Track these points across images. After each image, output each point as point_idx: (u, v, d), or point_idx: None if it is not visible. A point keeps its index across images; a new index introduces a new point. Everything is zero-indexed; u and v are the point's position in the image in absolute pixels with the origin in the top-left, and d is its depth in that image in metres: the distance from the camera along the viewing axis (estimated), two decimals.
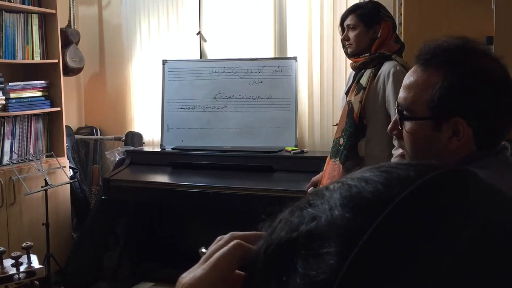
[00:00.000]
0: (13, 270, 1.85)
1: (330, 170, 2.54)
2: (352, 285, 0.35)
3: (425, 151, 1.13)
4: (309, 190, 2.73)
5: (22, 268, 1.87)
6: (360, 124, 2.46)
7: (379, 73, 2.48)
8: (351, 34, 2.56)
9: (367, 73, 2.50)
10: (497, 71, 1.09)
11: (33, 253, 1.93)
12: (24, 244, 1.91)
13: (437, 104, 1.09)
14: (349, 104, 2.52)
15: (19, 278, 1.85)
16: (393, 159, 2.34)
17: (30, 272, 1.88)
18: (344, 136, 2.49)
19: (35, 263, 1.91)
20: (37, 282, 1.90)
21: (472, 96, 1.07)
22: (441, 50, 1.11)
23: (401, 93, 1.17)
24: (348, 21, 2.57)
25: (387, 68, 2.46)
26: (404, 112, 1.15)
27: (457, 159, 1.10)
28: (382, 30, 2.52)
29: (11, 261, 1.87)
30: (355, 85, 2.54)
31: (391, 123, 1.22)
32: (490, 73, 1.08)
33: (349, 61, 2.74)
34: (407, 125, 1.15)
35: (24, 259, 1.90)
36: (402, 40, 2.76)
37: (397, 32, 2.70)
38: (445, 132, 1.10)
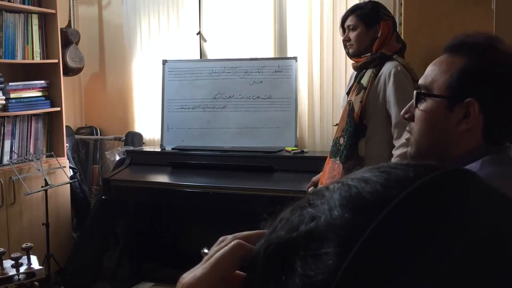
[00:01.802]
0: (13, 271, 1.85)
1: (330, 170, 2.54)
2: (350, 285, 0.35)
3: (433, 132, 1.15)
4: (309, 190, 2.73)
5: (22, 269, 1.87)
6: (360, 124, 2.46)
7: (380, 73, 2.48)
8: (352, 35, 2.56)
9: (368, 73, 2.50)
10: None
11: (33, 254, 1.93)
12: (24, 245, 1.91)
13: (455, 84, 1.11)
14: (349, 104, 2.52)
15: (19, 279, 1.85)
16: (393, 159, 2.34)
17: (30, 273, 1.88)
18: (344, 136, 2.49)
19: (35, 264, 1.91)
20: (37, 283, 1.90)
21: (489, 83, 1.10)
22: (471, 40, 1.14)
23: (423, 76, 1.19)
24: (348, 22, 2.58)
25: (388, 68, 2.46)
26: (422, 91, 1.17)
27: (462, 151, 1.11)
28: (382, 29, 2.52)
29: (11, 262, 1.87)
30: (356, 85, 2.54)
31: (406, 106, 1.22)
32: (510, 68, 1.11)
33: (349, 61, 2.75)
34: (423, 104, 1.16)
35: (24, 260, 1.90)
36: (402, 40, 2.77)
37: (397, 31, 2.70)
38: (457, 113, 1.11)
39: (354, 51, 2.58)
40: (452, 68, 1.12)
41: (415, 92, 1.19)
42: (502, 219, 0.38)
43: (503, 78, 1.10)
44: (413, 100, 1.19)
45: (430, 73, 1.17)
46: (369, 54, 2.53)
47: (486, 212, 0.38)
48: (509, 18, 2.49)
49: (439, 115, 1.13)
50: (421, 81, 1.19)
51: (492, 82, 1.10)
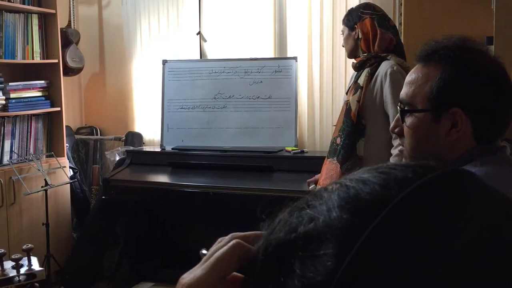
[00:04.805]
0: (13, 272, 1.84)
1: (327, 170, 2.54)
2: (349, 286, 0.35)
3: (425, 145, 1.15)
4: (310, 187, 2.73)
5: (22, 270, 1.86)
6: (358, 123, 2.47)
7: (376, 73, 2.50)
8: (343, 39, 2.68)
9: (364, 73, 2.52)
10: (494, 67, 1.12)
11: (33, 255, 1.93)
12: (24, 246, 1.91)
13: (436, 96, 1.11)
14: (347, 104, 2.54)
15: (19, 280, 1.85)
16: (391, 159, 2.34)
17: (30, 274, 1.87)
18: (341, 136, 2.50)
19: (36, 265, 1.90)
20: (37, 284, 1.89)
21: (470, 87, 1.10)
22: (440, 46, 1.14)
23: (403, 89, 1.19)
24: (341, 28, 2.72)
25: (384, 68, 2.47)
26: (405, 107, 1.17)
27: (457, 155, 1.12)
28: (361, 30, 2.56)
29: (12, 263, 1.87)
30: (353, 85, 2.57)
31: (393, 121, 1.23)
32: (487, 68, 1.11)
33: (349, 61, 2.78)
34: (408, 120, 1.17)
35: (24, 261, 1.90)
36: (402, 40, 2.77)
37: (387, 23, 2.65)
38: (444, 123, 1.11)
39: (347, 55, 2.70)
40: (429, 80, 1.12)
41: (398, 108, 1.19)
42: (501, 219, 0.38)
43: (481, 79, 1.10)
44: (398, 115, 1.20)
45: (409, 88, 1.16)
46: (366, 53, 2.55)
47: (485, 212, 0.38)
48: (509, 18, 2.49)
49: (427, 129, 1.14)
50: (402, 95, 1.18)
51: (472, 86, 1.09)
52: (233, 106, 3.92)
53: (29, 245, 1.92)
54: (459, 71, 1.10)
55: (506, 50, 2.31)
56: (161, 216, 4.16)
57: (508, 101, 1.12)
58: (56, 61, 3.97)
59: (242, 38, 4.11)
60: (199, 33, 4.24)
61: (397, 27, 2.89)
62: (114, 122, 4.60)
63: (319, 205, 0.40)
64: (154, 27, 4.39)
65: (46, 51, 3.99)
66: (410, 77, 1.18)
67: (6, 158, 3.73)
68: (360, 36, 2.56)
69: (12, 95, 3.75)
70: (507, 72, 1.12)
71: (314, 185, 2.72)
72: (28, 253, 1.90)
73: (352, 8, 2.73)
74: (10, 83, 3.76)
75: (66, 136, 4.12)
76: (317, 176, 2.74)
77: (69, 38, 4.24)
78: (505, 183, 0.78)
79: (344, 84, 3.68)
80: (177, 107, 4.03)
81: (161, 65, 4.11)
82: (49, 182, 3.59)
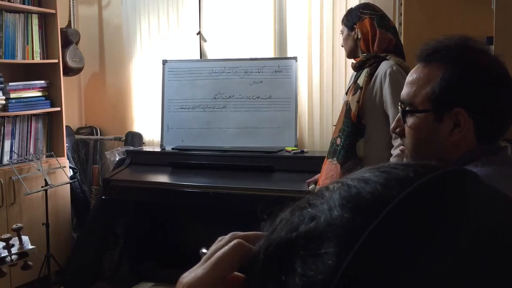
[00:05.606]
0: (5, 253, 1.81)
1: (327, 170, 2.54)
2: (350, 285, 0.35)
3: (427, 145, 1.15)
4: (310, 187, 2.73)
5: (14, 250, 1.82)
6: (358, 124, 2.47)
7: (376, 73, 2.50)
8: (342, 39, 2.68)
9: (364, 73, 2.52)
10: (496, 66, 1.12)
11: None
12: (14, 226, 1.87)
13: (438, 96, 1.11)
14: (346, 104, 2.53)
15: (11, 260, 1.82)
16: (392, 159, 2.34)
17: (22, 253, 1.84)
18: (341, 136, 2.50)
19: (27, 244, 1.87)
20: (30, 263, 1.86)
21: (472, 87, 1.09)
22: (442, 46, 1.14)
23: (404, 89, 1.19)
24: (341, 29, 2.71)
25: (383, 68, 2.47)
26: (407, 108, 1.17)
27: (458, 155, 1.11)
28: (360, 30, 2.56)
29: (2, 244, 1.84)
30: (353, 85, 2.56)
31: (394, 121, 1.23)
32: (489, 67, 1.11)
33: (349, 61, 2.78)
34: (410, 120, 1.16)
35: (15, 241, 1.86)
36: (402, 40, 2.77)
37: (387, 22, 2.65)
38: (447, 124, 1.11)
39: (346, 55, 2.70)
40: (431, 80, 1.12)
41: (400, 108, 1.19)
42: (501, 219, 0.38)
43: (483, 79, 1.10)
44: (399, 114, 1.19)
45: (410, 88, 1.16)
46: (365, 54, 2.55)
47: (486, 212, 0.38)
48: (509, 18, 2.49)
49: (429, 129, 1.13)
50: (403, 95, 1.18)
51: (474, 86, 1.09)
52: (233, 106, 3.92)
53: (19, 224, 1.89)
54: (461, 71, 1.10)
55: (506, 50, 2.31)
56: (161, 216, 4.15)
57: (509, 100, 1.12)
58: (56, 61, 3.97)
59: (242, 38, 4.11)
60: (199, 33, 4.24)
61: (397, 27, 2.89)
62: (114, 122, 4.60)
63: (321, 204, 0.40)
64: (154, 27, 4.38)
65: (46, 51, 3.99)
66: (411, 77, 1.17)
67: (6, 158, 3.73)
68: (359, 36, 2.56)
69: (12, 95, 3.75)
70: (507, 70, 1.12)
71: (314, 185, 2.72)
72: (18, 232, 1.86)
73: (352, 8, 2.72)
74: (10, 83, 3.76)
75: (66, 136, 4.12)
76: (317, 176, 2.74)
77: (69, 38, 4.24)
78: (506, 183, 0.79)
79: (344, 84, 3.68)
80: (177, 107, 4.03)
81: (161, 65, 4.11)
82: (49, 182, 3.59)
